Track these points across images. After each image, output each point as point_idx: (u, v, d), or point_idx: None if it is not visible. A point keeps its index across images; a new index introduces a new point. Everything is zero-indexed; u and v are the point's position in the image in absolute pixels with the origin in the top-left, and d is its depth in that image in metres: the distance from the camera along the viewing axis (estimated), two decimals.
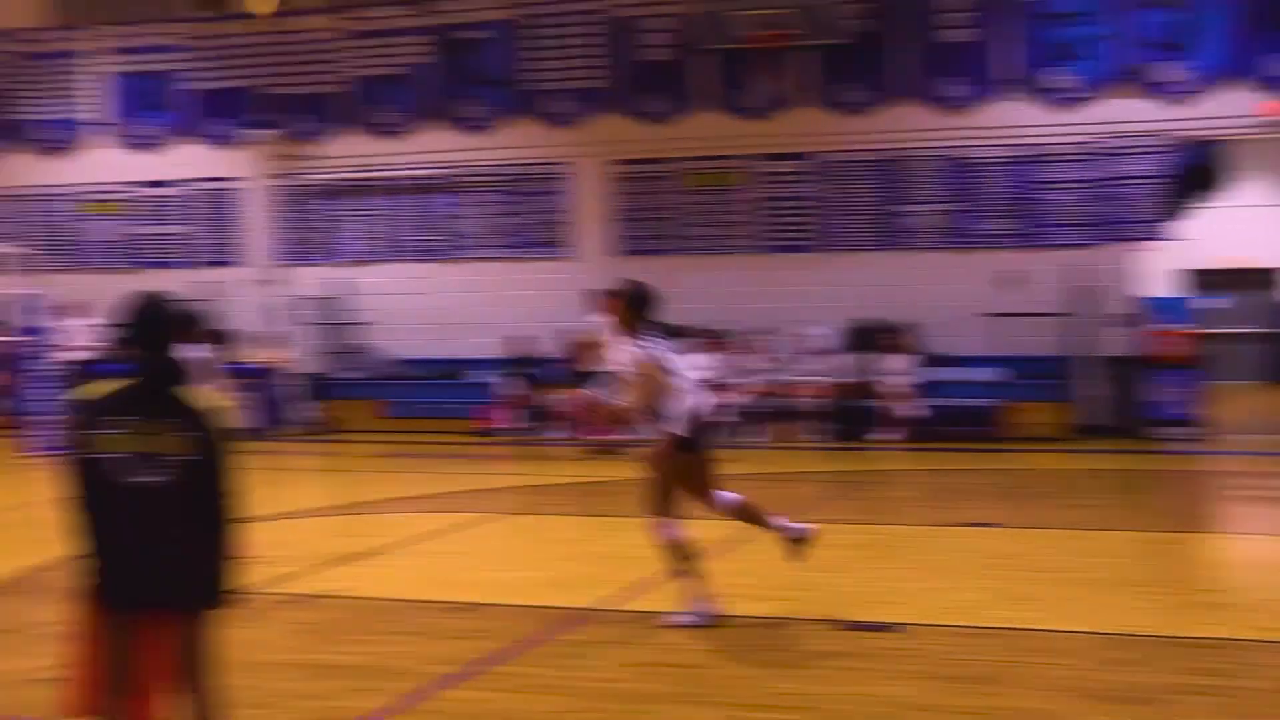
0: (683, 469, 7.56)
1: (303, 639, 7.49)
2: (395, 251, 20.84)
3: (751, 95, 19.26)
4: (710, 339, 17.53)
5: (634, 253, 19.72)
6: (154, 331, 4.51)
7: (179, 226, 21.73)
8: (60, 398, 17.28)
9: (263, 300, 20.73)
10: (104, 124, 21.98)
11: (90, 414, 4.46)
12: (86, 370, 18.86)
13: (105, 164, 21.99)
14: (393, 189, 20.82)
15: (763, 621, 7.68)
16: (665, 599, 7.69)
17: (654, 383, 7.45)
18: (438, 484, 14.12)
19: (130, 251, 21.94)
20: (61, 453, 4.53)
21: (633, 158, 19.87)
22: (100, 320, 19.37)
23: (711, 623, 7.45)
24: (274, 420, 18.84)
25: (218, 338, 11.07)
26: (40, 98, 22.30)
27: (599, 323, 17.16)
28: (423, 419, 19.35)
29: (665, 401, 7.48)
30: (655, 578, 7.91)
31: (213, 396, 4.61)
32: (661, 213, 19.80)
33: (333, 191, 21.11)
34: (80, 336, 19.33)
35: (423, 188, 20.69)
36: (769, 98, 19.20)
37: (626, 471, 15.23)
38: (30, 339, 17.65)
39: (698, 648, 7.12)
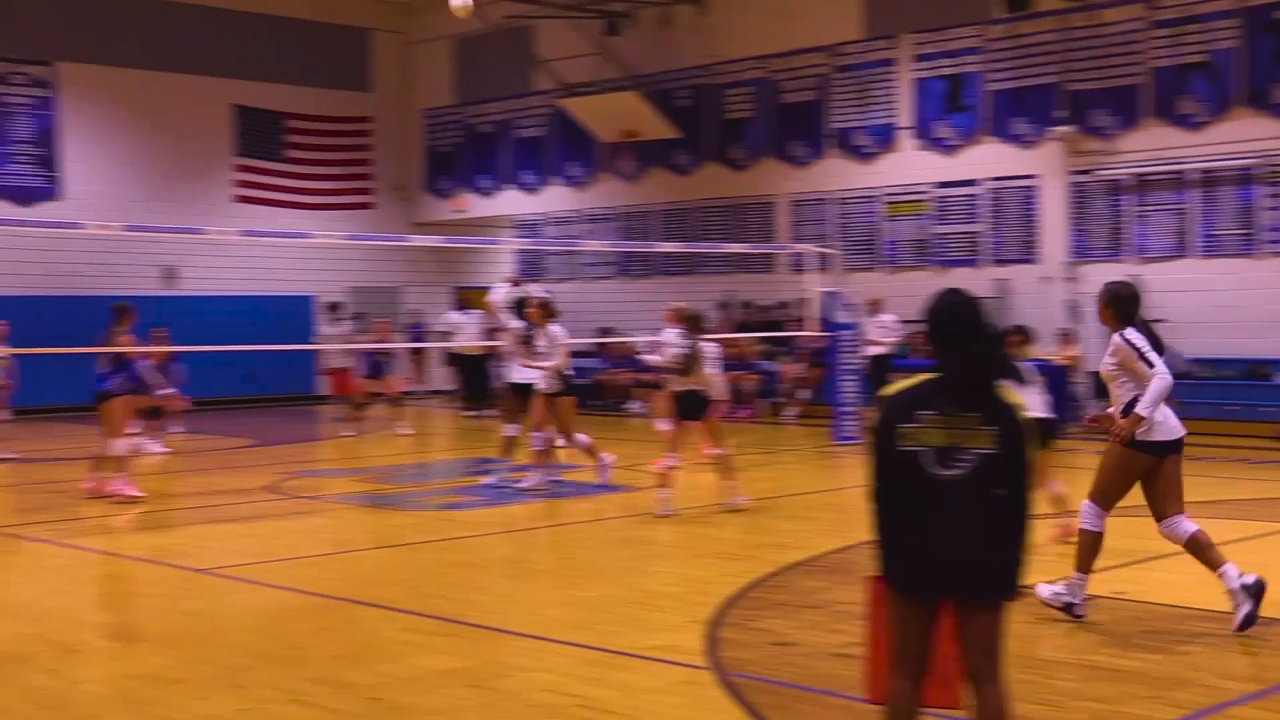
0: (1131, 471, 7.65)
1: (1084, 639, 7.44)
2: (1191, 247, 20.01)
3: None
4: None
5: None
6: (958, 327, 4.61)
7: (978, 225, 22.18)
8: (864, 390, 18.26)
9: (1057, 297, 20.68)
10: (909, 128, 22.87)
11: (895, 407, 4.59)
12: (888, 365, 19.79)
13: (910, 166, 22.89)
14: (1191, 182, 20.01)
15: None
16: None
17: (1134, 375, 7.53)
18: (1230, 490, 13.43)
19: (930, 250, 22.69)
20: (864, 443, 4.78)
21: None
22: (900, 317, 20.24)
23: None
24: (1065, 417, 18.73)
25: (1018, 335, 11.23)
26: (853, 106, 23.62)
27: None
28: (1218, 421, 18.43)
29: (1141, 400, 7.45)
30: None
31: (1014, 393, 4.70)
32: None
33: (1127, 186, 20.64)
34: (882, 332, 20.28)
35: (1226, 179, 19.71)
36: None
37: None
38: (838, 334, 18.73)
39: None
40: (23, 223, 14.92)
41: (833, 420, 18.56)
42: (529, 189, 28.48)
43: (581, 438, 13.96)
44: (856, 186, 23.54)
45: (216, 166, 27.94)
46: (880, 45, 23.18)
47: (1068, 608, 7.73)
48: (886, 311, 20.43)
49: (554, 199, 28.16)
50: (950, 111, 22.33)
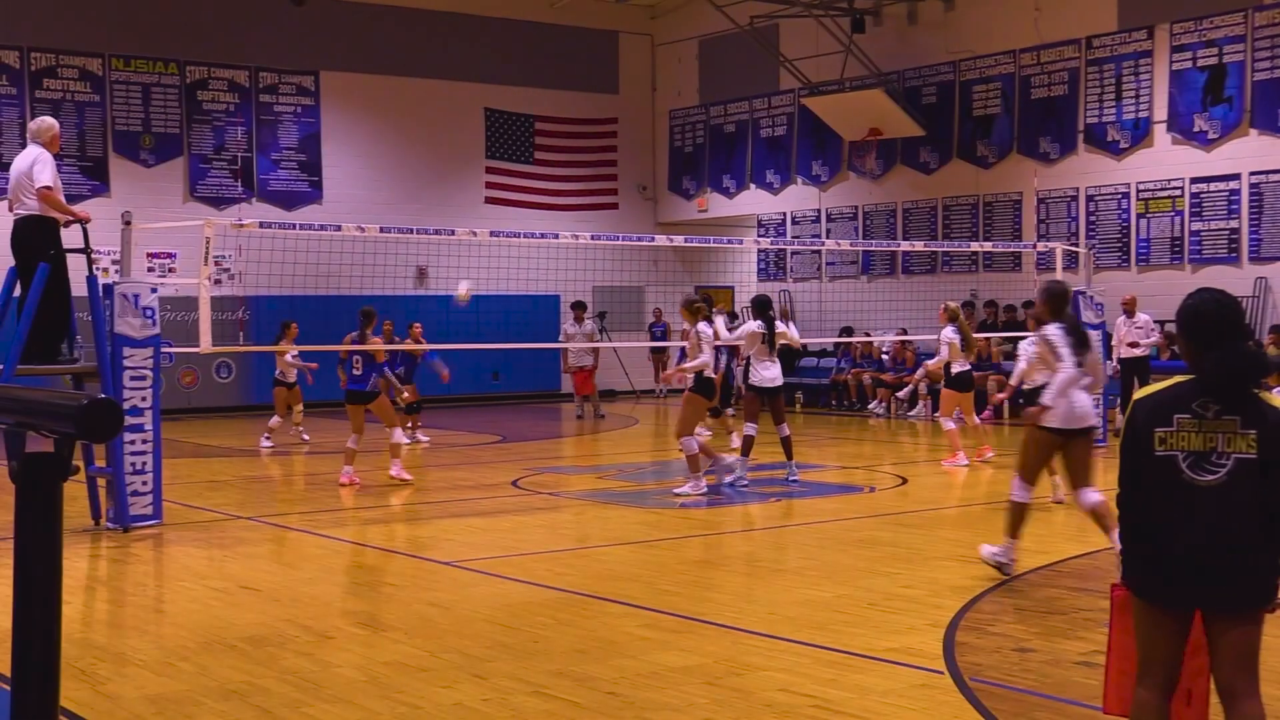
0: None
1: None
2: None
3: None
4: None
5: None
6: (1217, 327, 4.47)
7: (1233, 222, 21.27)
8: (1118, 393, 17.73)
9: None
10: (1164, 121, 22.08)
11: (1149, 410, 4.47)
12: (1146, 367, 19.16)
13: (1164, 161, 22.08)
14: None
15: None
16: None
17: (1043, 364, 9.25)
18: None
19: (1183, 248, 21.85)
20: (1116, 446, 4.63)
21: None
22: (1153, 317, 19.58)
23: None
24: None
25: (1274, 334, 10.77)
26: (1105, 100, 22.92)
27: None
28: None
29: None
30: None
31: (1273, 396, 4.52)
32: None
33: None
34: (1139, 333, 19.63)
35: None
36: None
37: None
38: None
39: None
40: (286, 226, 15.58)
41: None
42: (772, 188, 28.48)
43: (689, 441, 13.58)
44: (1107, 183, 22.85)
45: (468, 169, 28.72)
46: (1136, 36, 22.44)
47: (1000, 567, 9.10)
48: (1142, 311, 19.77)
49: (796, 198, 28.10)
50: (1209, 103, 21.47)
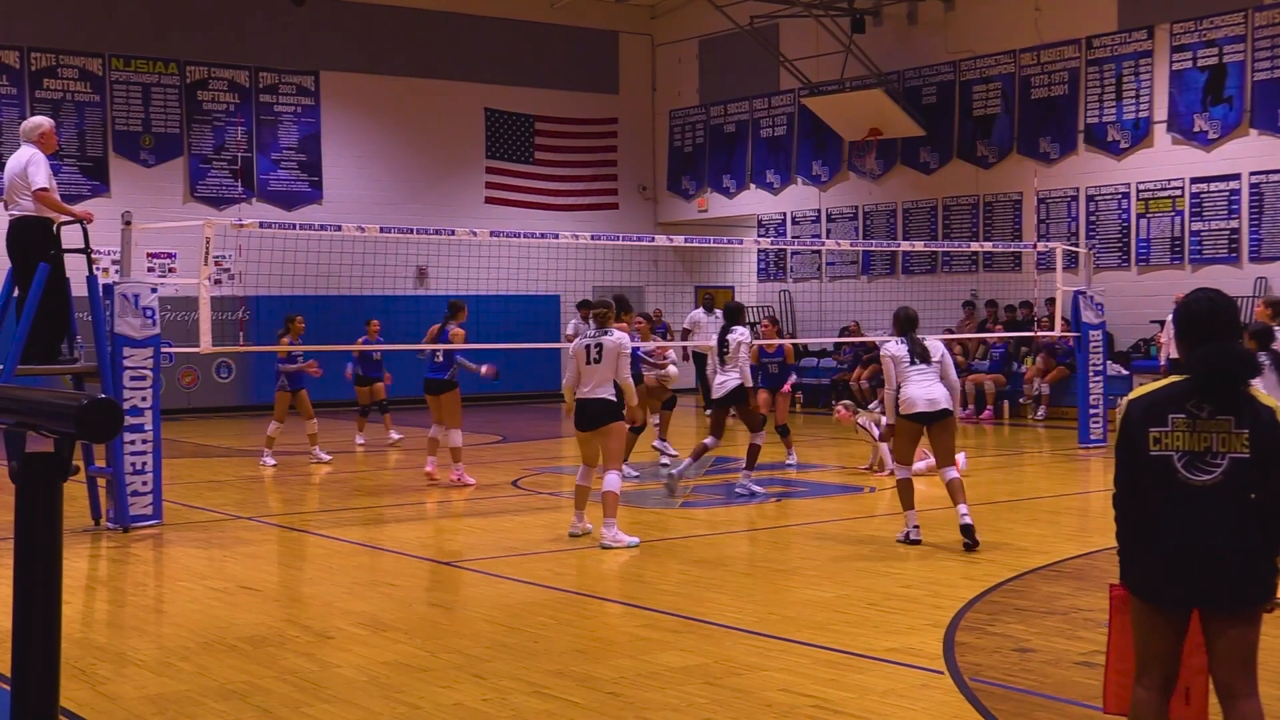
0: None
1: None
2: None
3: None
4: None
5: None
6: (1204, 327, 4.48)
7: (1233, 222, 21.27)
8: (1112, 393, 17.72)
9: None
10: (1164, 121, 22.07)
11: (1144, 410, 4.47)
12: (1140, 367, 19.15)
13: (1164, 161, 22.08)
14: None
15: None
16: None
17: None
18: None
19: (1183, 248, 21.84)
20: (1116, 445, 4.62)
21: None
22: (1152, 317, 19.58)
23: None
24: None
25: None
26: (1105, 100, 22.91)
27: None
28: None
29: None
30: None
31: (1265, 394, 4.52)
32: None
33: None
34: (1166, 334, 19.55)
35: None
36: None
37: None
38: (1085, 334, 18.20)
39: None
40: (286, 226, 15.57)
41: (1079, 422, 18.06)
42: (771, 188, 28.48)
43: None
44: (1107, 183, 22.85)
45: (468, 169, 28.71)
46: (1136, 36, 22.44)
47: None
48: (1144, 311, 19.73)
49: (796, 198, 28.10)
50: (1209, 103, 21.46)
